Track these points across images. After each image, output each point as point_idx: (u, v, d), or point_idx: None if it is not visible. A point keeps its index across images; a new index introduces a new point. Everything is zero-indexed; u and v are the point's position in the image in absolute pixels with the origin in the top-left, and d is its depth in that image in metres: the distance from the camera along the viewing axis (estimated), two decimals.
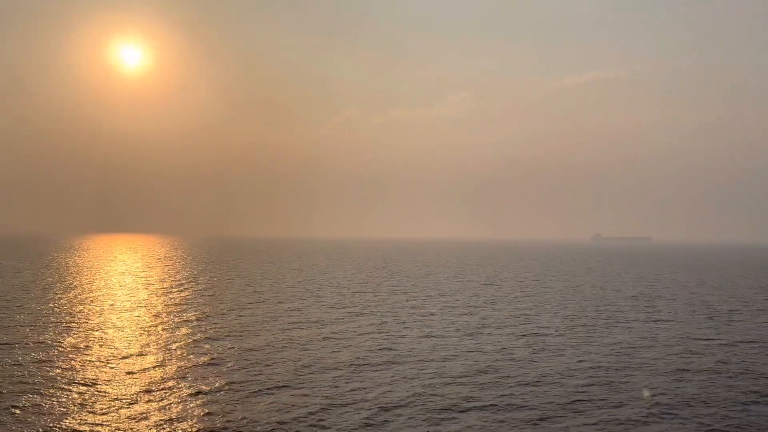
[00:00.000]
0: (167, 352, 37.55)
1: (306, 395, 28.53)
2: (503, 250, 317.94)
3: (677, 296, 79.04)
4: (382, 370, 34.06)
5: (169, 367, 33.50)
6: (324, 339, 43.07)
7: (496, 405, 27.74)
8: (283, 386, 30.05)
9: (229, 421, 24.63)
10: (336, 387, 30.12)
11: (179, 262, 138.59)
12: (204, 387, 29.51)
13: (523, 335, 46.41)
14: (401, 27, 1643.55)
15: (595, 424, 25.47)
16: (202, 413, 25.46)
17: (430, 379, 32.19)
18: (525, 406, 27.61)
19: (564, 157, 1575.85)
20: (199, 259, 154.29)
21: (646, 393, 30.20)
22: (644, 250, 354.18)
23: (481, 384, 31.34)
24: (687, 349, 41.92)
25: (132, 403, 26.59)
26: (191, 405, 26.58)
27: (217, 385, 29.98)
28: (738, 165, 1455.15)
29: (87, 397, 27.48)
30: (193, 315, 53.49)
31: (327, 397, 28.27)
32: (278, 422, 24.66)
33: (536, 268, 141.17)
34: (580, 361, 37.29)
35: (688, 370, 35.63)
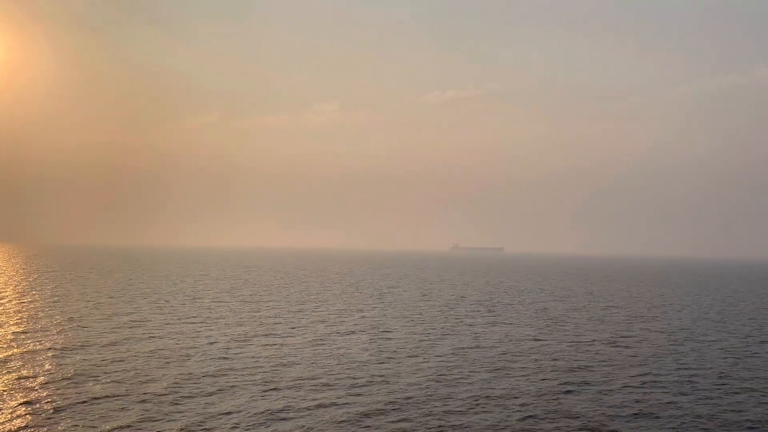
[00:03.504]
0: None
1: (127, 406, 27.50)
2: (363, 259, 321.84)
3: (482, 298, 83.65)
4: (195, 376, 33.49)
5: None
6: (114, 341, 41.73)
7: (321, 406, 28.07)
8: (102, 398, 28.79)
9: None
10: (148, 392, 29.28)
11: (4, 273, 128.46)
12: (15, 401, 27.61)
13: (370, 340, 47.40)
14: (269, 31, 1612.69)
15: (418, 418, 26.41)
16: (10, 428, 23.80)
17: (254, 385, 32.07)
18: (352, 403, 28.13)
19: (429, 169, 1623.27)
20: (25, 270, 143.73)
21: None
22: (494, 260, 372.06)
23: (307, 389, 31.63)
24: (510, 349, 44.65)
25: None
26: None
27: (31, 397, 28.16)
28: (589, 179, 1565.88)
29: None
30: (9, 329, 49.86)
31: (145, 407, 27.38)
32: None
33: (381, 275, 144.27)
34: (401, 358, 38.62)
35: (510, 368, 37.93)
